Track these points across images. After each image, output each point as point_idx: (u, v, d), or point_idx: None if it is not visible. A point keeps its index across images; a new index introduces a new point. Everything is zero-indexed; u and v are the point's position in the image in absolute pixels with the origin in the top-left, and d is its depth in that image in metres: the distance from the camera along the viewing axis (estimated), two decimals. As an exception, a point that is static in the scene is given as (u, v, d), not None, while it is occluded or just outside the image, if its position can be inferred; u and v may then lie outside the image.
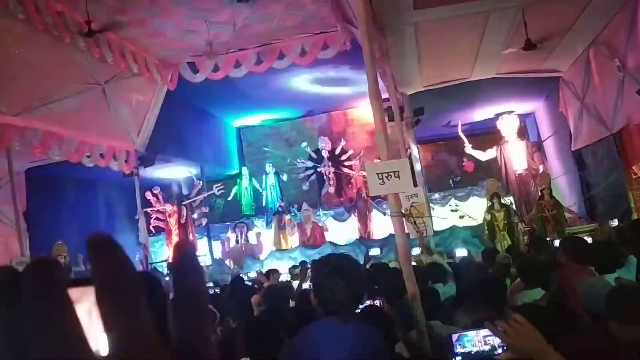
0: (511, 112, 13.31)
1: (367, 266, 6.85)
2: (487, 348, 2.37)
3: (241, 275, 9.81)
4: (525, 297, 4.11)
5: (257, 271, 9.79)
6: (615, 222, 9.24)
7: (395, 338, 3.06)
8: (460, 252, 8.63)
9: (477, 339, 2.39)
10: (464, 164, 15.00)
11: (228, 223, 14.58)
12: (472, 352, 2.40)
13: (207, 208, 14.34)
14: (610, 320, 2.24)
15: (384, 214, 12.45)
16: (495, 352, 2.39)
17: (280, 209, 14.29)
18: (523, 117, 13.96)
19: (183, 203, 13.74)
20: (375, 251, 10.45)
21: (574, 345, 2.08)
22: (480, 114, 13.40)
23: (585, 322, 2.77)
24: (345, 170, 14.92)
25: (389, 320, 3.01)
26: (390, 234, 9.75)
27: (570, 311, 3.02)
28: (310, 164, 15.06)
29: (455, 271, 5.79)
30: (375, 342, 2.22)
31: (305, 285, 6.90)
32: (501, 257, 6.31)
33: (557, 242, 8.21)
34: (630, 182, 9.50)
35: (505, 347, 2.27)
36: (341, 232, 13.86)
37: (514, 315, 1.78)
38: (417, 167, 10.16)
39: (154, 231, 13.94)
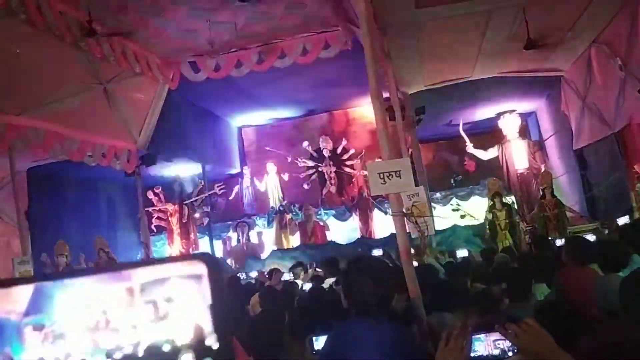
0: (512, 111, 13.30)
1: None
2: (497, 352, 2.34)
3: (238, 275, 9.80)
4: (537, 291, 4.13)
5: (258, 271, 9.78)
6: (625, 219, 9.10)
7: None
8: (461, 253, 8.63)
9: (487, 343, 2.35)
10: (465, 163, 14.98)
11: (229, 222, 14.59)
12: (483, 356, 2.37)
13: (209, 207, 14.35)
14: (626, 312, 2.21)
15: (386, 213, 12.45)
16: (506, 356, 2.36)
17: (281, 209, 14.30)
18: (524, 116, 13.94)
19: (184, 202, 13.76)
20: (377, 251, 10.44)
21: (589, 346, 2.07)
22: (482, 113, 13.38)
23: (595, 323, 2.75)
24: (347, 169, 14.92)
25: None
26: (392, 233, 9.75)
27: (574, 312, 3.01)
28: (311, 163, 15.06)
29: (450, 271, 5.74)
30: (410, 341, 2.26)
31: (309, 286, 6.90)
32: (499, 257, 6.31)
33: (558, 242, 8.22)
34: (632, 181, 9.48)
35: (515, 351, 2.25)
36: (342, 231, 13.86)
37: (526, 318, 1.77)
38: (419, 166, 10.15)
39: (155, 230, 13.96)
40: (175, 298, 0.63)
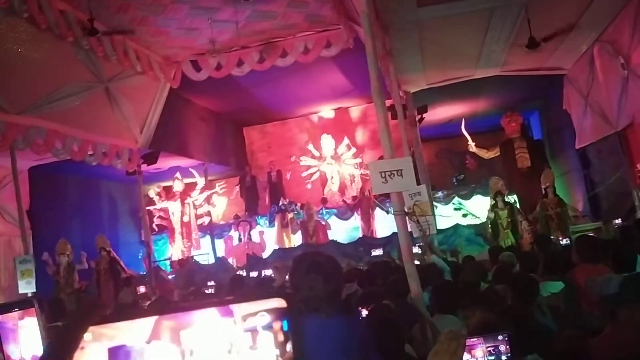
0: (515, 109, 13.26)
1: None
2: (492, 358, 2.31)
3: (239, 273, 9.76)
4: (548, 288, 4.11)
5: (274, 267, 9.71)
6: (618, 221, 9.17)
7: (404, 338, 3.03)
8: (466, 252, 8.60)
9: (483, 348, 2.31)
10: (467, 162, 14.96)
11: (231, 221, 14.58)
12: None
13: (210, 206, 14.34)
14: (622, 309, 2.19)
15: (387, 212, 12.42)
16: None
17: (283, 208, 14.28)
18: (527, 115, 13.91)
19: (186, 201, 13.75)
20: (377, 251, 10.41)
21: (601, 345, 2.05)
22: (484, 111, 13.36)
23: (600, 322, 2.73)
24: (349, 168, 14.90)
25: (396, 320, 2.98)
26: (394, 233, 9.73)
27: (585, 311, 2.99)
28: (313, 162, 15.04)
29: (455, 271, 5.72)
30: (360, 331, 2.30)
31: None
32: (505, 255, 6.27)
33: (561, 241, 8.19)
34: (635, 180, 9.44)
35: (509, 356, 2.22)
36: (344, 230, 13.84)
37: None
38: (420, 165, 10.12)
39: (156, 229, 13.95)
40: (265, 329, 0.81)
